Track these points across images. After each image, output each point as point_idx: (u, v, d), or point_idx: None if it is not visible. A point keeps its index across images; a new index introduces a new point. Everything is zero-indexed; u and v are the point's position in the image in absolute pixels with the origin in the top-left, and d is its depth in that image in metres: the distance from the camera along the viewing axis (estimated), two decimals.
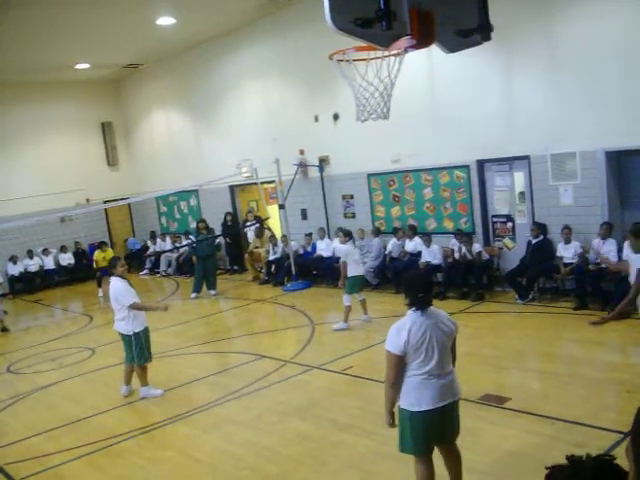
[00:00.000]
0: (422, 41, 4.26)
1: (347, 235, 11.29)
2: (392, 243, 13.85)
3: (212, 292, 15.78)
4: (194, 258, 16.10)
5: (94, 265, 17.76)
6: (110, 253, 17.69)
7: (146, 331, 8.94)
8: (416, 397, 4.75)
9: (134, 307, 8.70)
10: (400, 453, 5.02)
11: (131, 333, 8.75)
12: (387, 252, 13.83)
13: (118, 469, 6.91)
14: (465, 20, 4.67)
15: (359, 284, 11.15)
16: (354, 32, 3.81)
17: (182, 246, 18.92)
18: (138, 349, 8.80)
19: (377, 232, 14.28)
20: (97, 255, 17.61)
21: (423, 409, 4.73)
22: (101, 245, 18.00)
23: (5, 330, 14.66)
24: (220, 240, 18.30)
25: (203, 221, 16.67)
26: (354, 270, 10.98)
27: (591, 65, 10.55)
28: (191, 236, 18.53)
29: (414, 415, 4.77)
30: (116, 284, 8.80)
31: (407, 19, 4.13)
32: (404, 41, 4.25)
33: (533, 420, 6.70)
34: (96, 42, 16.40)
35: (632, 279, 7.11)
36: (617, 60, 10.26)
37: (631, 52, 10.07)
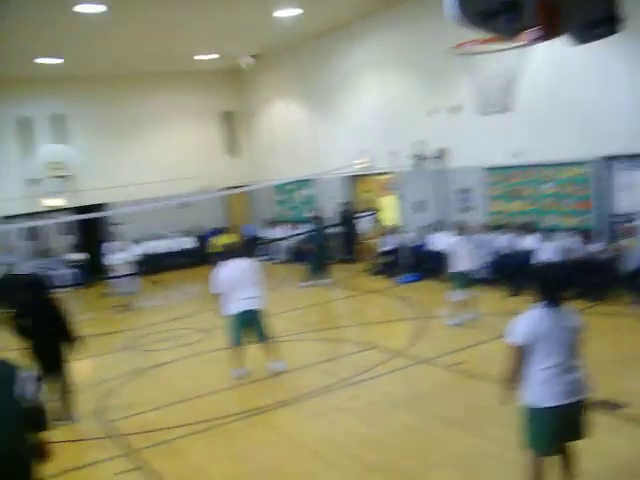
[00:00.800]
0: (549, 33, 4.15)
1: (459, 229, 11.12)
2: (506, 239, 13.54)
3: (325, 281, 15.93)
4: (307, 247, 16.33)
5: (212, 250, 18.24)
6: (228, 239, 18.19)
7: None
8: (542, 393, 4.67)
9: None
10: (514, 453, 4.91)
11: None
12: (501, 248, 13.52)
13: (228, 448, 7.14)
14: (593, 12, 4.51)
15: (467, 280, 10.94)
16: (478, 24, 3.76)
17: (297, 234, 19.18)
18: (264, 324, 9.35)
19: (493, 227, 14.00)
20: (216, 240, 18.05)
21: (549, 405, 4.65)
22: (221, 231, 18.48)
23: (127, 309, 15.41)
24: (335, 230, 18.45)
25: (318, 210, 16.87)
26: (463, 265, 10.80)
27: None
28: (306, 225, 18.78)
29: (540, 411, 4.68)
30: (250, 262, 9.52)
31: (533, 10, 4.02)
32: (530, 33, 4.15)
33: None
34: (220, 33, 16.80)
35: None
36: None
37: None
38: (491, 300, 12.35)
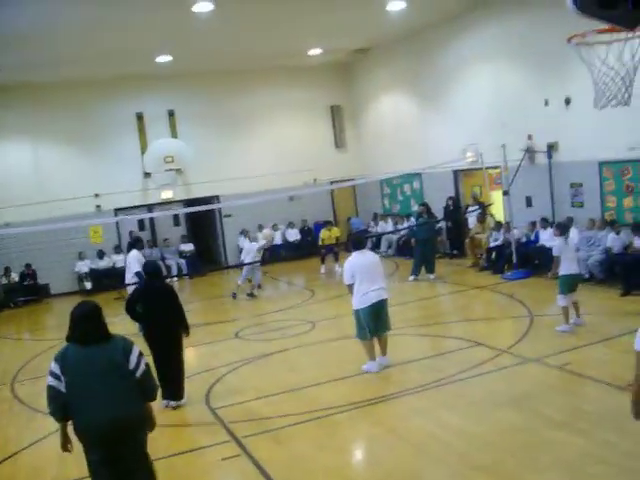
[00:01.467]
0: None
1: (561, 229, 10.59)
2: (611, 238, 13.00)
3: (431, 276, 15.81)
4: (413, 241, 16.27)
5: (319, 242, 18.44)
6: (336, 232, 18.35)
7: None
8: None
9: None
10: (623, 458, 4.73)
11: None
12: (613, 246, 12.98)
13: (330, 440, 7.23)
14: None
15: (573, 283, 10.36)
16: (597, 14, 3.61)
17: (403, 229, 19.12)
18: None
19: (605, 224, 13.46)
20: (323, 233, 18.27)
21: None
22: (327, 224, 18.65)
23: (252, 295, 15.92)
24: (441, 224, 18.29)
25: (424, 204, 16.78)
26: (568, 268, 10.23)
27: None
28: (412, 219, 18.69)
29: None
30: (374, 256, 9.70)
31: None
32: None
33: None
34: (328, 28, 16.91)
35: None
36: None
37: None
38: (601, 300, 11.94)
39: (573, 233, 12.81)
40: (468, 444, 6.68)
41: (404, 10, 15.56)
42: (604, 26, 4.24)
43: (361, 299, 9.19)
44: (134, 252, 13.45)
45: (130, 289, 12.33)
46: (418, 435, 7.06)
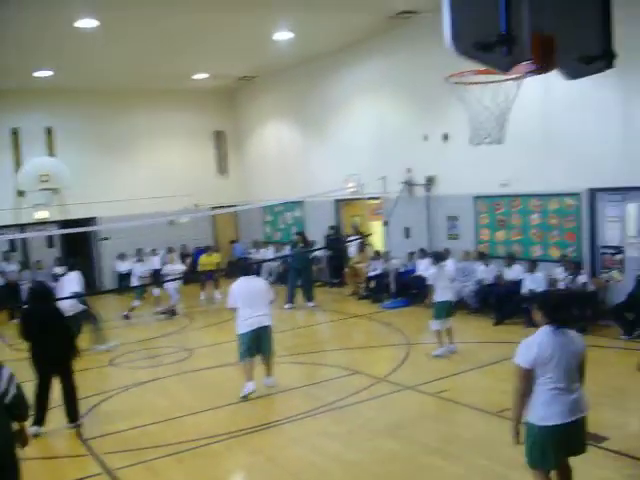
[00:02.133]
0: (543, 66, 4.19)
1: (435, 257, 11.11)
2: (481, 270, 13.61)
3: (309, 304, 15.90)
4: (288, 269, 16.45)
5: (199, 268, 18.22)
6: (216, 257, 18.18)
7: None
8: (546, 412, 4.88)
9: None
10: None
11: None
12: (486, 277, 13.56)
13: (208, 470, 7.07)
14: (588, 46, 4.55)
15: (447, 310, 10.77)
16: (474, 56, 3.78)
17: (283, 257, 19.18)
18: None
19: (481, 256, 14.05)
20: (203, 259, 18.07)
21: (552, 423, 4.85)
22: (208, 249, 18.46)
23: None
24: (318, 253, 18.52)
25: (300, 233, 16.94)
26: (442, 295, 10.67)
27: None
28: (287, 247, 18.78)
29: (543, 429, 4.88)
30: (262, 281, 9.83)
31: (528, 44, 4.06)
32: (525, 66, 4.19)
33: (631, 463, 6.41)
34: (215, 53, 16.94)
35: None
36: None
37: None
38: (475, 329, 12.38)
39: (449, 263, 13.25)
40: (346, 472, 6.69)
41: (292, 40, 15.76)
42: (481, 67, 4.42)
43: (243, 324, 9.27)
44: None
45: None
46: (296, 463, 7.03)
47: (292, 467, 6.94)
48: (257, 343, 9.34)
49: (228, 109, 23.05)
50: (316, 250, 17.95)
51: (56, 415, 8.74)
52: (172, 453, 7.50)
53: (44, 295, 8.91)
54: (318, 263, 18.70)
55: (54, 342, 8.39)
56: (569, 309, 5.19)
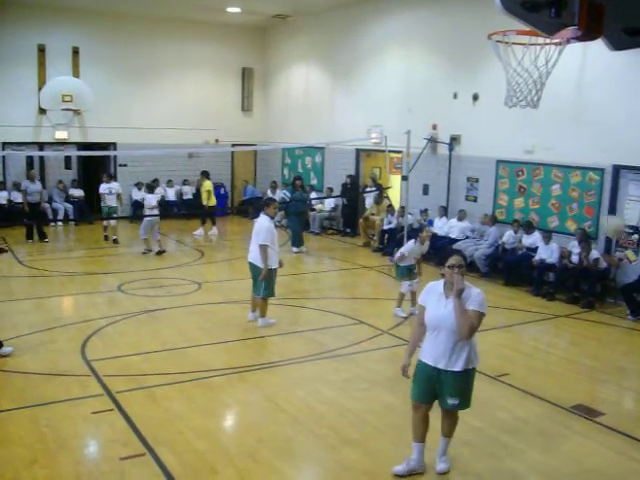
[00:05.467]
0: (588, 34, 4.08)
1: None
2: (508, 234, 13.56)
3: (294, 249, 15.99)
4: (283, 213, 16.96)
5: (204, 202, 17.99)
6: (207, 186, 17.82)
7: (275, 270, 9.77)
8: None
9: (262, 249, 9.44)
10: None
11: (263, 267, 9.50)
12: (501, 242, 13.57)
13: (207, 402, 7.18)
14: (636, 18, 4.44)
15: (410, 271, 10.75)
16: (521, 16, 3.71)
17: (281, 202, 19.12)
18: (265, 283, 9.56)
19: (495, 220, 14.01)
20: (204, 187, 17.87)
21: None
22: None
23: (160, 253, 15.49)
24: (335, 201, 18.56)
25: (300, 178, 16.87)
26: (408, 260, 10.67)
27: None
28: (285, 191, 18.66)
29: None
30: (264, 222, 9.62)
31: (577, 9, 3.96)
32: (569, 31, 4.09)
33: (624, 441, 6.46)
34: None
35: None
36: None
37: None
38: (486, 293, 12.36)
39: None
40: (341, 418, 6.78)
41: None
42: (525, 28, 4.33)
43: (273, 260, 9.66)
44: None
45: None
46: (293, 404, 7.12)
47: (289, 407, 7.03)
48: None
49: (258, 47, 22.76)
50: (335, 197, 18.06)
51: (60, 335, 8.88)
52: (173, 382, 7.62)
53: None
54: (312, 210, 18.95)
55: None
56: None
